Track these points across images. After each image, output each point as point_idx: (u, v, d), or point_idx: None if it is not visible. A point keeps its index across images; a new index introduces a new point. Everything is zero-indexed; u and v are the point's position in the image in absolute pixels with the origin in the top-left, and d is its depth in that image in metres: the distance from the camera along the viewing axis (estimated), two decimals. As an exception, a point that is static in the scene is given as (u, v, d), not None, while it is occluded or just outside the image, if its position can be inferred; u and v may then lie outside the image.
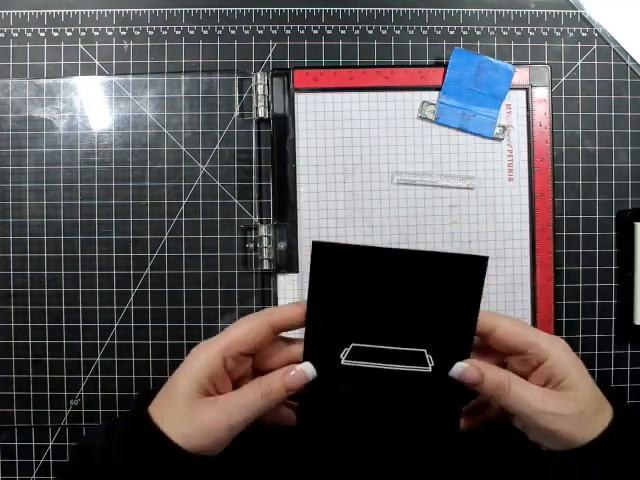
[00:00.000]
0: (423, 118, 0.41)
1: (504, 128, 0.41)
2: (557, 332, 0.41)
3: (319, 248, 0.30)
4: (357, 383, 0.32)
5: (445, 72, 0.41)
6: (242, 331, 0.30)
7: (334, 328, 0.31)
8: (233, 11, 0.42)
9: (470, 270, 0.30)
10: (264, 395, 0.30)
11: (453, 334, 0.31)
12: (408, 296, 0.30)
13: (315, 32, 0.43)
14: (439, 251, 0.30)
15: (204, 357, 0.30)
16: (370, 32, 0.43)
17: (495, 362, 0.32)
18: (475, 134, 0.41)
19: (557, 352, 0.31)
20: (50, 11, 0.42)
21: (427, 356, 0.32)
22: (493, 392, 0.31)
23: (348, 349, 0.32)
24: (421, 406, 0.33)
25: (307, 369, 0.31)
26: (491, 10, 0.43)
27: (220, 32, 0.42)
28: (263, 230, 0.41)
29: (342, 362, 0.32)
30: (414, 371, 0.32)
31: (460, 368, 0.31)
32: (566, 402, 0.30)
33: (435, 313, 0.31)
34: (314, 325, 0.31)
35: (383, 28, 0.43)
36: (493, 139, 0.41)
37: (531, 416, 0.30)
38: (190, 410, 0.29)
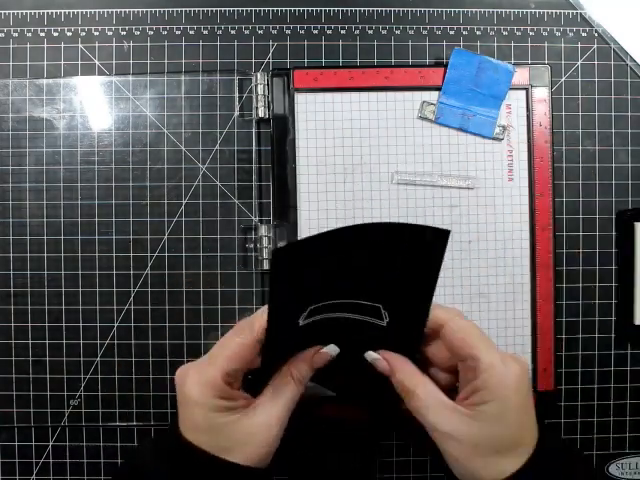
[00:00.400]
0: (423, 118, 0.41)
1: (504, 128, 0.41)
2: (557, 332, 0.41)
3: (281, 254, 0.27)
4: (319, 336, 0.32)
5: (445, 72, 0.41)
6: (236, 352, 0.30)
7: (294, 305, 0.30)
8: (233, 11, 0.42)
9: (433, 241, 0.28)
10: (297, 382, 0.31)
11: (411, 300, 0.30)
12: (368, 267, 0.29)
13: (315, 32, 0.43)
14: (399, 222, 0.29)
15: (204, 384, 0.29)
16: (370, 32, 0.43)
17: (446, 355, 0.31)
18: (475, 134, 0.41)
19: (494, 375, 0.28)
20: (50, 11, 0.42)
21: (383, 311, 0.31)
22: (400, 391, 0.31)
23: (305, 313, 0.31)
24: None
25: (331, 350, 0.32)
26: (491, 10, 0.43)
27: (220, 32, 0.42)
28: (263, 230, 0.41)
29: (300, 324, 0.31)
30: (370, 322, 0.31)
31: (373, 356, 0.32)
32: (466, 426, 0.28)
33: (393, 281, 0.30)
34: (274, 317, 0.30)
35: (383, 28, 0.43)
36: (493, 139, 0.41)
37: (428, 428, 0.29)
38: (236, 434, 0.29)
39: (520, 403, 0.28)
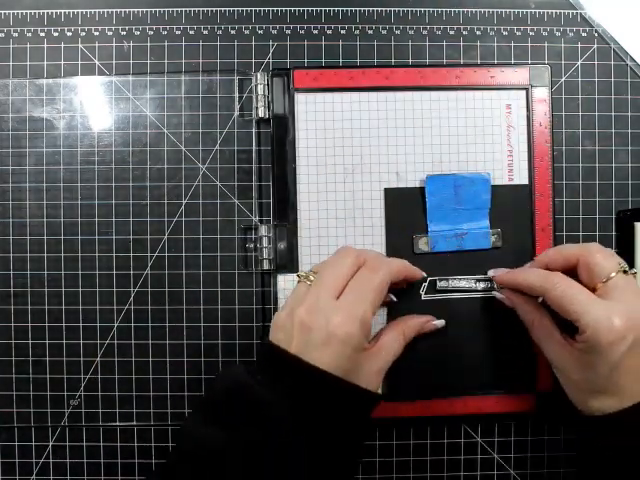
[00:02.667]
0: (420, 253, 0.40)
1: (499, 235, 0.41)
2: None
3: None
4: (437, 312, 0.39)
5: (425, 201, 0.40)
6: (382, 291, 0.33)
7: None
8: (233, 11, 0.42)
9: None
10: (405, 341, 0.36)
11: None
12: None
13: (315, 32, 0.43)
14: None
15: (360, 323, 0.31)
16: (370, 32, 0.43)
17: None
18: (474, 250, 0.41)
19: (591, 332, 0.31)
20: (50, 11, 0.42)
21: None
22: (524, 322, 0.36)
23: (425, 284, 0.39)
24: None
25: (439, 323, 0.39)
26: (491, 10, 0.43)
27: (220, 32, 0.42)
28: (263, 230, 0.41)
29: (422, 297, 0.39)
30: (485, 297, 0.39)
31: (498, 295, 0.38)
32: (569, 364, 0.33)
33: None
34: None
35: (383, 28, 0.43)
36: (492, 249, 0.41)
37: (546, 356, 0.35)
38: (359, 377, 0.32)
39: (614, 359, 0.31)
